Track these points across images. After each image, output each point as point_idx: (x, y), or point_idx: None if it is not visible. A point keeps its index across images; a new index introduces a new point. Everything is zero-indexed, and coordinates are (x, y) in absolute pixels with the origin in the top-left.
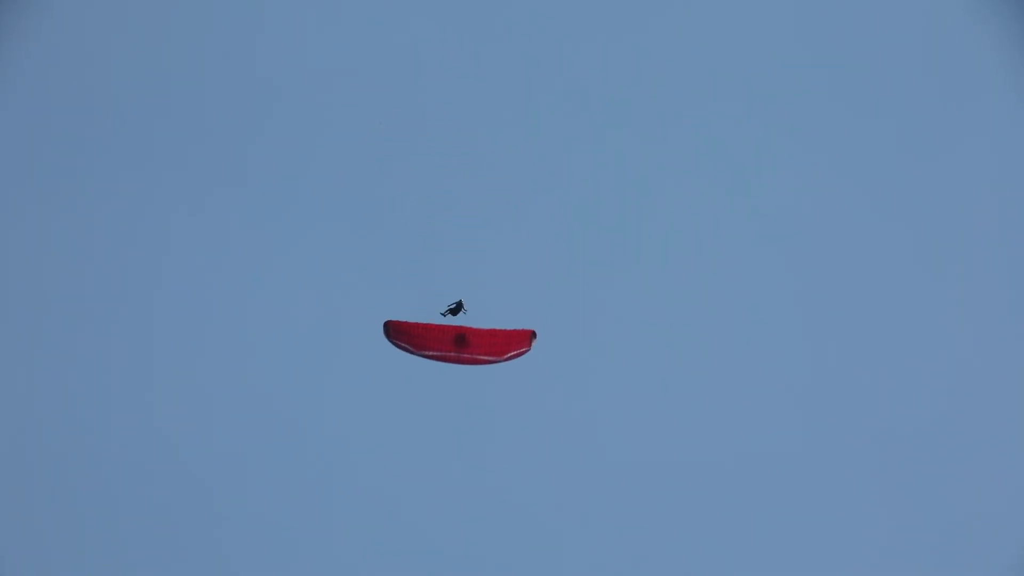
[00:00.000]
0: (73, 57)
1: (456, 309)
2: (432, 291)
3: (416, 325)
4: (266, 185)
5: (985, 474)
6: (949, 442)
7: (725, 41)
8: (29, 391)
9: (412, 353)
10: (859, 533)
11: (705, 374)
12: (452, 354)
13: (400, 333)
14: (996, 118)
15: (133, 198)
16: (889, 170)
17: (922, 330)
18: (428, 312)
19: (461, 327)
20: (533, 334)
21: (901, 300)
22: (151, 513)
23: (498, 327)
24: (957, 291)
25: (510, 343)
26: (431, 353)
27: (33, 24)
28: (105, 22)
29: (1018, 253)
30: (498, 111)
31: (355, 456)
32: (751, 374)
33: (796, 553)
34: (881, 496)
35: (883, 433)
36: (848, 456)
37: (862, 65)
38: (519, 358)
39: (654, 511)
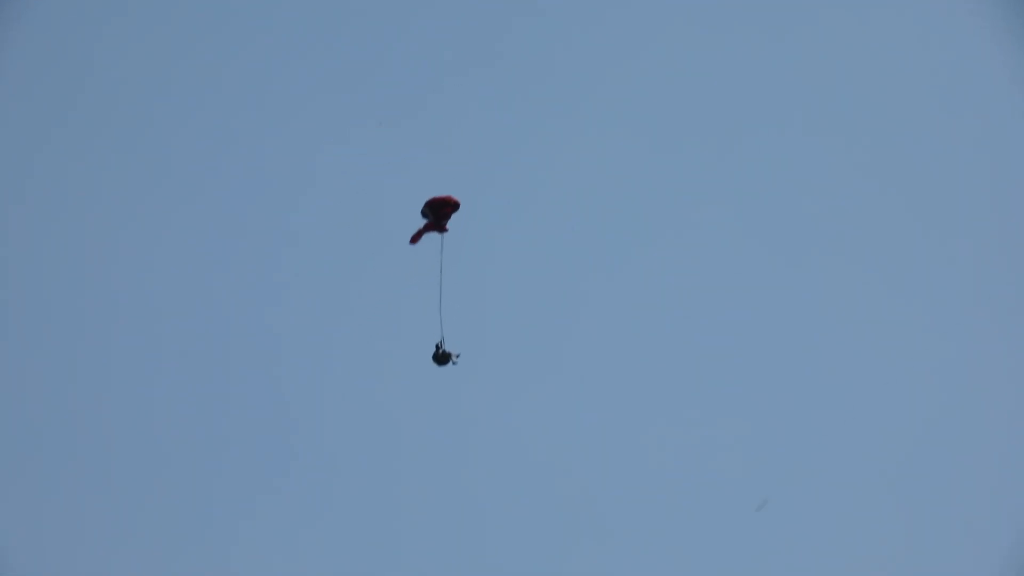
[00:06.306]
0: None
1: (444, 356)
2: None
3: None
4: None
5: (983, 476)
6: (947, 444)
7: (724, 41)
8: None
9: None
10: (858, 535)
11: (704, 376)
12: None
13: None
14: (995, 124)
15: (130, 200)
16: (889, 172)
17: (919, 332)
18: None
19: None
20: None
21: (898, 301)
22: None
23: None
24: (954, 292)
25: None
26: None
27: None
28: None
29: (1017, 255)
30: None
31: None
32: (750, 376)
33: (796, 555)
34: (880, 498)
35: (882, 435)
36: (847, 458)
37: (862, 66)
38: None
39: (653, 514)
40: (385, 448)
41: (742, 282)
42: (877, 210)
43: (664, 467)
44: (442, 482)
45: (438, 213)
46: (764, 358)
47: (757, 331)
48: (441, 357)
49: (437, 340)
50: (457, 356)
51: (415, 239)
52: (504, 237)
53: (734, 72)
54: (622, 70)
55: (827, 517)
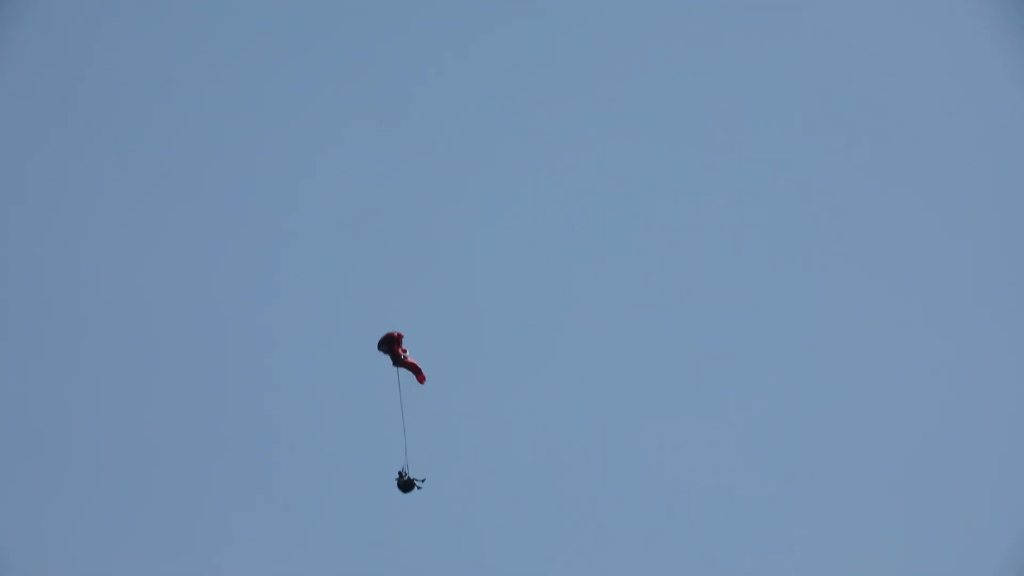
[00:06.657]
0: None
1: (408, 483)
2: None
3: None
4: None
5: (983, 476)
6: (947, 444)
7: (722, 39)
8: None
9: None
10: (858, 534)
11: (702, 375)
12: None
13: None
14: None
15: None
16: (889, 171)
17: (919, 331)
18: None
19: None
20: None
21: (897, 302)
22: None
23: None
24: (952, 293)
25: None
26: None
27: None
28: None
29: (1016, 255)
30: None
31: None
32: (749, 376)
33: (795, 554)
34: (880, 497)
35: (881, 434)
36: (846, 457)
37: (862, 66)
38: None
39: (651, 514)
40: (383, 448)
41: (740, 280)
42: (876, 209)
43: (662, 466)
44: (441, 482)
45: (393, 350)
46: (762, 357)
47: (755, 330)
48: (405, 484)
49: (401, 468)
50: (422, 481)
51: (422, 379)
52: (503, 235)
53: (733, 71)
54: (621, 69)
55: (827, 517)
